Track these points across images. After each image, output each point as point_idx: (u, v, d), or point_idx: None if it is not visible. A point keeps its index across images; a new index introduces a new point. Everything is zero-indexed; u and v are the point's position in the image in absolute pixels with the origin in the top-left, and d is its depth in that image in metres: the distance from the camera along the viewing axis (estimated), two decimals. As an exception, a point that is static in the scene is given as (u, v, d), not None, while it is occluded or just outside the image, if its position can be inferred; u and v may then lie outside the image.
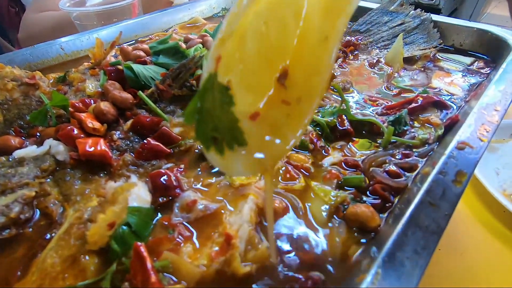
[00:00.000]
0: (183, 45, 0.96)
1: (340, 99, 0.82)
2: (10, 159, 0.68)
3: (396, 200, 0.60)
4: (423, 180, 0.57)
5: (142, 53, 0.99)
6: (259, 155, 0.38)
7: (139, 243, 0.48)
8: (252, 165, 0.38)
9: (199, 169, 0.69)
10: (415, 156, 0.69)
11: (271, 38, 0.36)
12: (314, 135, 0.73)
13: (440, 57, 1.17)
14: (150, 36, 1.39)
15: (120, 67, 0.87)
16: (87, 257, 0.51)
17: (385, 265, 0.43)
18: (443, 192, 0.53)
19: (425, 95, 0.85)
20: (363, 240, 0.53)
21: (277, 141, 0.37)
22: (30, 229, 0.58)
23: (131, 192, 0.49)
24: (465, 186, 0.54)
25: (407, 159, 0.68)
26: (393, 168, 0.65)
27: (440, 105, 0.84)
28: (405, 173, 0.65)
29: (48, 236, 0.56)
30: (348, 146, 0.73)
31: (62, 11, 1.61)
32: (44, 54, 1.17)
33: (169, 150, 0.71)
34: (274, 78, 0.37)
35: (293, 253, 0.52)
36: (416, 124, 0.79)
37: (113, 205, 0.49)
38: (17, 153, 0.69)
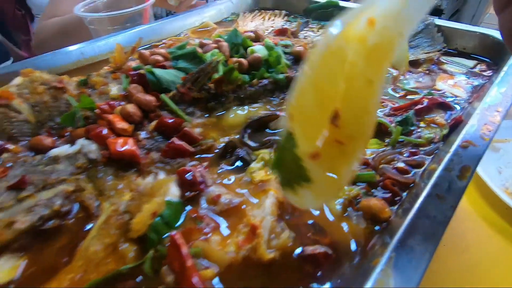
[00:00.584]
0: (200, 50, 1.02)
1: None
2: (45, 158, 0.74)
3: (405, 194, 0.65)
4: (430, 175, 0.62)
5: (160, 58, 1.04)
6: (322, 190, 0.44)
7: (174, 233, 0.53)
8: (317, 198, 0.45)
9: (220, 166, 0.74)
10: (422, 154, 0.74)
11: (323, 86, 0.42)
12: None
13: (444, 60, 1.22)
14: (164, 41, 1.44)
15: (142, 71, 0.93)
16: (126, 245, 0.57)
17: (398, 250, 0.48)
18: (449, 186, 0.57)
19: (430, 97, 0.90)
20: (376, 228, 0.58)
21: (335, 176, 0.43)
22: (71, 221, 0.63)
23: (169, 186, 0.54)
24: (469, 180, 0.59)
25: (414, 157, 0.73)
26: (401, 165, 0.70)
27: (445, 107, 0.89)
28: (413, 169, 0.70)
29: (87, 227, 0.62)
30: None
31: (69, 16, 1.68)
32: (65, 59, 1.23)
33: (192, 149, 0.76)
34: (327, 120, 0.41)
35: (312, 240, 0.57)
36: (422, 124, 0.84)
37: (151, 198, 0.55)
38: (52, 152, 0.74)
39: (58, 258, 0.56)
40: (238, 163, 0.75)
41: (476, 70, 1.14)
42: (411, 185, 0.66)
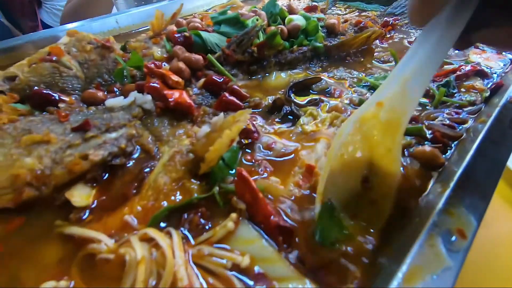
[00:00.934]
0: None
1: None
2: (100, 108, 0.76)
3: (454, 145, 0.67)
4: (481, 128, 0.65)
5: (198, 25, 1.07)
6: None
7: (241, 169, 0.56)
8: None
9: (270, 120, 0.77)
10: (465, 114, 0.77)
11: (352, 158, 0.53)
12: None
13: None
14: (194, 14, 1.46)
15: (186, 34, 0.95)
16: (192, 180, 0.59)
17: (464, 183, 0.50)
18: (503, 133, 0.60)
19: (469, 64, 0.93)
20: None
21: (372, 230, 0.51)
22: (133, 162, 0.66)
23: (242, 119, 0.56)
24: (521, 130, 0.62)
25: (458, 115, 0.76)
26: (447, 121, 0.73)
27: (482, 74, 0.91)
28: (458, 126, 0.73)
29: (146, 168, 0.64)
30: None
31: None
32: (101, 27, 1.25)
33: (242, 104, 0.79)
34: (360, 184, 0.53)
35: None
36: (462, 89, 0.87)
37: (220, 133, 0.57)
38: (108, 102, 0.77)
39: (127, 190, 0.59)
40: (288, 118, 0.77)
41: (506, 47, 1.16)
42: (460, 138, 0.68)
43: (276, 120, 0.77)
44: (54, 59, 0.88)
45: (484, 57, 1.07)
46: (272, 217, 0.49)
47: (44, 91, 0.79)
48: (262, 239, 0.49)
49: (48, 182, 0.57)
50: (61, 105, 0.77)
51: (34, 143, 0.61)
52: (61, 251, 0.49)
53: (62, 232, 0.51)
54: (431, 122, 0.73)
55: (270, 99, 0.84)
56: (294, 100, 0.82)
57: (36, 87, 0.81)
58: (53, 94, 0.79)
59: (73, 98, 0.82)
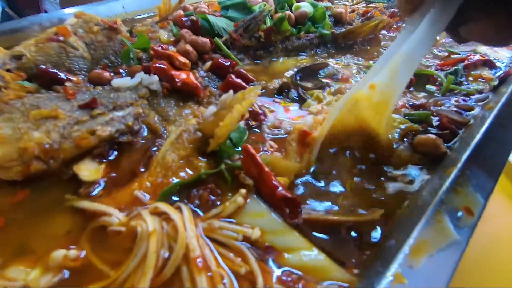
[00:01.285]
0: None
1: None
2: (107, 87, 0.76)
3: (461, 131, 0.67)
4: (485, 116, 0.64)
5: (205, 10, 1.06)
6: None
7: (246, 144, 0.56)
8: None
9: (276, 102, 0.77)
10: (473, 102, 0.77)
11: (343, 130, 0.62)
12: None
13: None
14: (201, 1, 1.45)
15: (194, 18, 0.94)
16: (200, 158, 0.60)
17: (471, 164, 0.50)
18: (510, 117, 0.60)
19: (477, 54, 0.92)
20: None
21: None
22: (141, 140, 0.66)
23: (252, 95, 0.56)
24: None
25: (466, 103, 0.75)
26: (454, 108, 0.73)
27: (490, 64, 0.91)
28: (465, 112, 0.73)
29: (154, 147, 0.64)
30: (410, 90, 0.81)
31: None
32: (107, 11, 1.24)
33: (248, 86, 0.79)
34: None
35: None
36: (470, 78, 0.86)
37: (230, 110, 0.57)
38: (115, 82, 0.77)
39: (135, 167, 0.59)
40: (294, 101, 0.78)
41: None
42: (467, 124, 0.68)
43: (282, 103, 0.77)
44: (61, 39, 0.87)
45: (493, 48, 1.06)
46: (278, 189, 0.49)
47: (51, 70, 0.79)
48: (271, 213, 0.49)
49: (56, 156, 0.57)
50: (67, 84, 0.77)
51: (42, 118, 0.61)
52: (69, 224, 0.50)
53: (73, 206, 0.52)
54: (439, 108, 0.73)
55: (277, 83, 0.84)
56: (301, 83, 0.82)
57: (42, 66, 0.81)
58: (60, 73, 0.79)
59: (80, 78, 0.82)
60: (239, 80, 0.78)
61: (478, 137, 0.55)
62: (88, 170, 0.56)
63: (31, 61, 0.82)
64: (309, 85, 0.82)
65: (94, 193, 0.54)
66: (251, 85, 0.81)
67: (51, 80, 0.78)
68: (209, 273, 0.41)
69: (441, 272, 0.36)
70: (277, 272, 0.43)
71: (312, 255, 0.44)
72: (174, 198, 0.53)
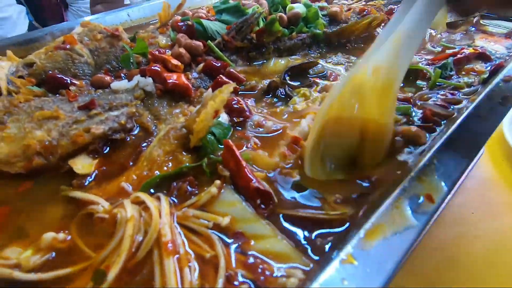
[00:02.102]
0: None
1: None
2: (107, 90, 0.82)
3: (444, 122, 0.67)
4: (470, 105, 0.64)
5: (203, 14, 1.11)
6: None
7: (228, 140, 0.59)
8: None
9: (264, 101, 0.80)
10: (460, 95, 0.76)
11: (346, 117, 0.59)
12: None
13: (483, 23, 1.20)
14: (202, 7, 1.51)
15: (189, 22, 0.99)
16: (184, 153, 0.64)
17: (441, 154, 0.51)
18: (490, 109, 0.60)
19: (470, 48, 0.91)
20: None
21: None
22: (133, 138, 0.71)
23: (225, 92, 0.60)
24: (510, 107, 0.61)
25: (453, 96, 0.75)
26: (439, 102, 0.73)
27: (484, 57, 0.89)
28: (451, 106, 0.73)
29: (147, 143, 0.69)
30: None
31: None
32: (113, 20, 1.32)
33: (238, 87, 0.82)
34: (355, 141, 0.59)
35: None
36: (462, 73, 0.85)
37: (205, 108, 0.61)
38: (114, 85, 0.82)
39: (125, 161, 0.64)
40: (281, 98, 0.80)
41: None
42: (451, 117, 0.68)
43: (268, 103, 0.80)
44: (68, 47, 0.95)
45: (491, 41, 1.04)
46: (252, 182, 0.52)
47: (58, 75, 0.86)
48: (242, 202, 0.52)
49: (55, 152, 0.63)
50: (72, 87, 0.84)
51: (44, 118, 0.67)
52: (63, 211, 0.55)
53: (67, 195, 0.57)
54: (424, 102, 0.73)
55: (266, 82, 0.87)
56: (288, 82, 0.85)
57: (50, 72, 0.88)
58: (66, 78, 0.86)
59: (83, 82, 0.89)
60: (227, 80, 0.82)
61: (453, 127, 0.55)
62: (82, 164, 0.62)
63: (41, 68, 0.89)
64: (297, 83, 0.85)
65: (86, 185, 0.59)
66: (241, 86, 0.85)
67: (57, 85, 0.85)
68: (177, 256, 0.44)
69: (392, 255, 0.37)
70: (241, 257, 0.46)
71: (276, 242, 0.47)
72: (156, 190, 0.57)
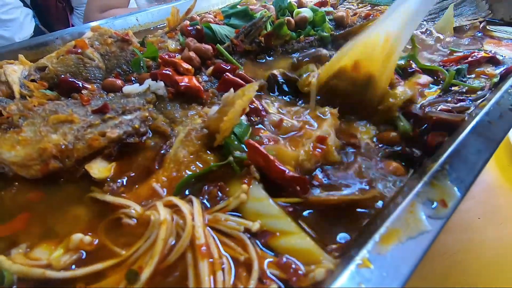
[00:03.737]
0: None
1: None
2: (119, 94, 0.84)
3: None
4: (479, 112, 0.65)
5: (211, 19, 1.12)
6: None
7: (248, 139, 0.61)
8: None
9: (274, 99, 0.82)
10: (469, 100, 0.77)
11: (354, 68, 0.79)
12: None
13: (490, 29, 1.21)
14: (209, 11, 1.53)
15: (198, 27, 1.01)
16: (208, 152, 0.65)
17: (452, 160, 0.52)
18: (500, 115, 0.60)
19: (481, 51, 0.92)
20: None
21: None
22: (152, 143, 0.71)
23: (251, 90, 0.60)
24: (521, 113, 0.61)
25: (461, 103, 0.76)
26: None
27: (494, 61, 0.90)
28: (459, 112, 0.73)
29: (165, 146, 0.70)
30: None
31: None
32: (123, 24, 1.34)
33: (244, 83, 0.83)
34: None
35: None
36: (473, 75, 0.86)
37: (232, 106, 0.61)
38: (125, 89, 0.84)
39: (150, 164, 0.65)
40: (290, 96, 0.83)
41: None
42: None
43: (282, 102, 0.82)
44: (79, 51, 0.96)
45: (499, 46, 1.05)
46: (286, 172, 0.55)
47: (70, 79, 0.87)
48: (269, 199, 0.54)
49: (70, 156, 0.64)
50: (83, 91, 0.85)
51: (59, 122, 0.69)
52: (88, 213, 0.56)
53: (93, 197, 0.58)
54: (431, 109, 0.74)
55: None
56: (287, 73, 0.87)
57: (62, 76, 0.89)
58: (77, 82, 0.87)
59: (95, 86, 0.90)
60: (234, 77, 0.83)
61: (464, 133, 0.56)
62: (98, 168, 0.63)
63: (53, 71, 0.91)
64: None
65: (114, 189, 0.60)
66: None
67: (69, 88, 0.86)
68: (211, 259, 0.45)
69: (407, 259, 0.38)
70: (274, 258, 0.47)
71: (300, 239, 0.48)
72: (188, 191, 0.58)
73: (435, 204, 0.44)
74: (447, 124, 0.69)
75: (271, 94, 0.84)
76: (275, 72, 0.86)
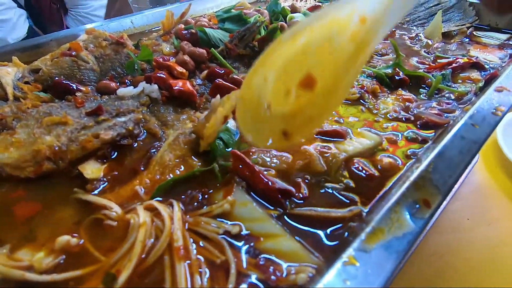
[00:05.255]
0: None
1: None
2: (113, 96, 0.84)
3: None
4: (465, 114, 0.67)
5: (205, 23, 1.14)
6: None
7: (234, 149, 0.62)
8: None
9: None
10: (455, 104, 0.79)
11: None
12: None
13: (476, 34, 1.24)
14: (203, 15, 1.54)
15: (193, 30, 1.02)
16: (193, 157, 0.66)
17: (437, 162, 0.54)
18: (483, 118, 0.63)
19: (465, 57, 0.95)
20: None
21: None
22: (141, 144, 0.72)
23: (233, 99, 0.62)
24: (503, 116, 0.64)
25: (448, 106, 0.78)
26: (435, 111, 0.76)
27: (478, 67, 0.93)
28: (447, 114, 0.75)
29: (153, 148, 0.71)
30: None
31: None
32: (117, 27, 1.35)
33: (235, 87, 0.84)
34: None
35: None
36: (458, 81, 0.89)
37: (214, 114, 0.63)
38: (120, 91, 0.84)
39: (136, 166, 0.66)
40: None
41: (510, 42, 1.16)
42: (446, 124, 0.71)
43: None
44: (73, 54, 0.97)
45: (485, 52, 1.08)
46: (270, 183, 0.55)
47: (64, 81, 0.88)
48: (253, 203, 0.54)
49: (64, 157, 0.64)
50: (78, 94, 0.86)
51: (53, 124, 0.69)
52: (75, 215, 0.56)
53: (79, 198, 0.58)
54: (421, 110, 0.76)
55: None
56: None
57: (56, 78, 0.90)
58: (71, 84, 0.88)
59: (89, 88, 0.91)
60: (228, 83, 0.84)
61: (448, 136, 0.58)
62: (91, 169, 0.63)
63: (47, 74, 0.91)
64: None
65: (99, 189, 0.61)
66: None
67: (63, 91, 0.87)
68: (188, 261, 0.46)
69: (391, 256, 0.39)
70: (252, 260, 0.48)
71: (285, 241, 0.49)
72: (169, 195, 0.59)
73: (418, 204, 0.46)
74: (434, 126, 0.71)
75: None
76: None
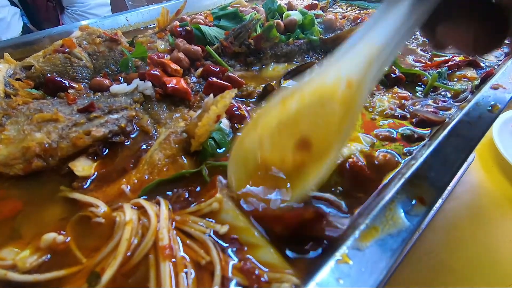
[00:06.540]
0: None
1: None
2: (106, 93, 0.83)
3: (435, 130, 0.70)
4: (460, 112, 0.67)
5: (201, 20, 1.13)
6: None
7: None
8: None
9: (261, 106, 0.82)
10: (451, 102, 0.79)
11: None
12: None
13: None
14: (200, 13, 1.53)
15: (188, 28, 1.01)
16: (183, 157, 0.65)
17: (432, 159, 0.53)
18: (479, 116, 0.62)
19: (460, 55, 0.94)
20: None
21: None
22: (133, 141, 0.71)
23: (227, 97, 0.61)
24: (498, 114, 0.63)
25: (444, 103, 0.78)
26: (431, 109, 0.75)
27: (474, 65, 0.93)
28: (442, 112, 0.75)
29: (144, 146, 0.70)
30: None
31: None
32: (112, 24, 1.33)
33: (229, 85, 0.84)
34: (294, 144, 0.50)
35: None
36: (454, 79, 0.88)
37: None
38: (113, 88, 0.83)
39: (126, 164, 0.65)
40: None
41: (505, 41, 1.16)
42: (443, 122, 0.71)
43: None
44: (66, 50, 0.95)
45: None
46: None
47: (56, 78, 0.86)
48: (236, 210, 0.53)
49: (54, 154, 0.63)
50: (70, 91, 0.84)
51: (44, 121, 0.68)
52: (62, 212, 0.55)
53: (66, 196, 0.57)
54: (417, 108, 0.76)
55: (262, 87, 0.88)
56: (284, 86, 0.87)
57: (49, 75, 0.88)
58: (64, 81, 0.86)
59: (82, 86, 0.89)
60: (223, 82, 0.83)
61: (444, 133, 0.57)
62: (82, 166, 0.62)
63: (39, 70, 0.90)
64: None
65: (86, 187, 0.60)
66: (239, 92, 0.86)
67: (55, 87, 0.85)
68: (173, 260, 0.45)
69: (385, 254, 0.39)
70: (236, 262, 0.47)
71: (265, 253, 0.47)
72: (157, 194, 0.57)
73: (413, 201, 0.45)
74: (430, 123, 0.71)
75: (262, 103, 0.84)
76: (273, 86, 0.85)
